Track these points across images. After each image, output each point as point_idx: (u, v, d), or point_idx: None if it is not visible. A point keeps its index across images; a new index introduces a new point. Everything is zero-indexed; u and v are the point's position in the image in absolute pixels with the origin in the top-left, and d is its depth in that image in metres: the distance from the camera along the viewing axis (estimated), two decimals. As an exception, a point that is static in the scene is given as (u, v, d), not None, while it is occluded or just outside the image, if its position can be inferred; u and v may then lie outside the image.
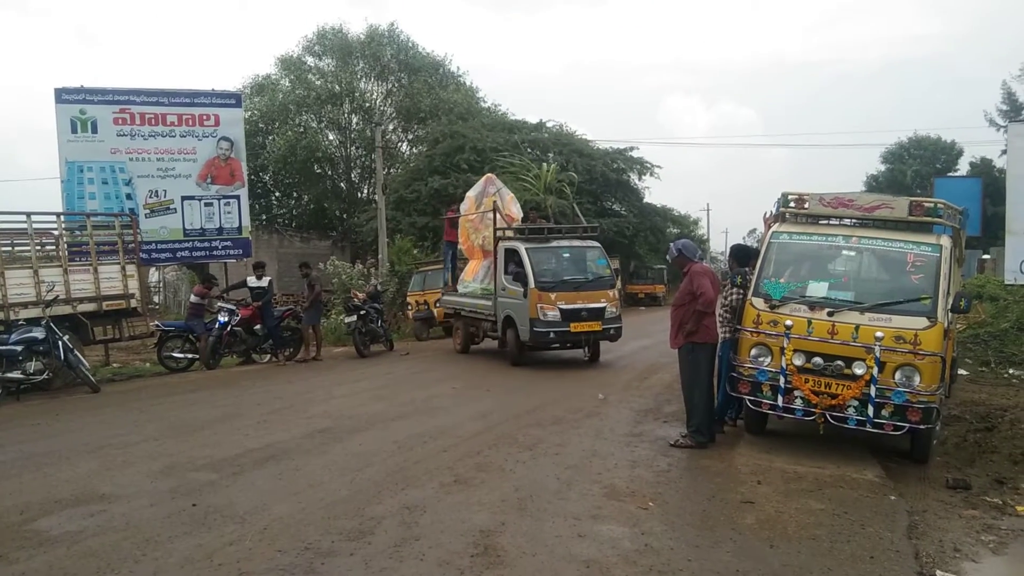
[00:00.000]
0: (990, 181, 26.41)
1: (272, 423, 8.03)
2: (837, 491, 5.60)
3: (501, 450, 6.66)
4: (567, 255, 12.41)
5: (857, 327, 6.21)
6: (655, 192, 67.13)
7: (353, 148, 36.30)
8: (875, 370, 6.04)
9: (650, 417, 8.21)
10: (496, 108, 37.54)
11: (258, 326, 13.52)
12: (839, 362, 6.25)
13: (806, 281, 6.83)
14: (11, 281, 11.03)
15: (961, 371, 10.64)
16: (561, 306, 11.52)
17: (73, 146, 16.36)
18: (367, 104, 35.44)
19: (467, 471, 5.98)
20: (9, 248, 12.54)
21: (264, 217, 35.38)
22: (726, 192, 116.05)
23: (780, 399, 6.47)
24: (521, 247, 11.98)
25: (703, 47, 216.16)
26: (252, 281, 13.55)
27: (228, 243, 17.85)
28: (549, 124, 32.67)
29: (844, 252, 6.93)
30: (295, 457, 6.49)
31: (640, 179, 33.60)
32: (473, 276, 14.04)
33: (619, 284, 17.51)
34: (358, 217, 32.42)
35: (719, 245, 59.51)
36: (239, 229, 17.96)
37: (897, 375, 6.06)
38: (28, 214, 11.75)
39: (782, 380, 6.42)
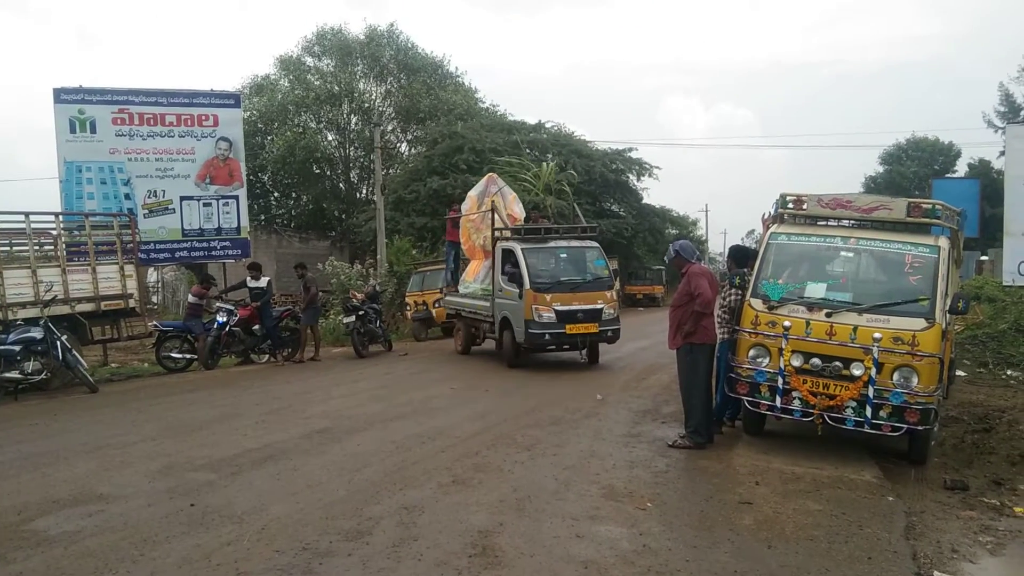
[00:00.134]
0: (988, 183, 26.44)
1: (270, 423, 8.03)
2: (835, 492, 5.61)
3: (499, 451, 6.66)
4: (564, 255, 12.30)
5: (855, 328, 6.22)
6: (654, 193, 67.12)
7: (352, 148, 36.33)
8: (873, 371, 6.05)
9: (648, 418, 8.21)
10: (495, 109, 37.60)
11: (256, 326, 13.51)
12: (837, 363, 6.26)
13: (804, 282, 6.83)
14: (9, 281, 11.03)
15: (959, 372, 10.66)
16: (557, 307, 11.40)
17: (72, 146, 16.35)
18: (366, 104, 35.46)
19: (465, 472, 5.98)
20: (7, 248, 12.55)
21: (263, 217, 35.39)
22: (725, 193, 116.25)
23: (778, 400, 6.47)
24: (517, 247, 11.89)
25: (702, 48, 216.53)
26: (251, 281, 13.55)
27: (227, 243, 17.84)
28: (548, 125, 32.75)
29: (842, 253, 6.94)
30: (293, 457, 6.49)
31: (639, 180, 33.69)
32: (474, 277, 13.96)
33: (617, 285, 17.52)
34: (357, 217, 32.43)
35: (717, 246, 59.66)
36: (238, 229, 17.94)
37: (895, 376, 6.07)
38: (26, 214, 11.74)
39: (780, 381, 6.43)
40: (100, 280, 12.21)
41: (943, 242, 6.67)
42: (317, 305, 14.47)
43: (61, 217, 13.48)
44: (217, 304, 13.45)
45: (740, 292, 7.12)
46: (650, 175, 33.40)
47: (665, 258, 7.68)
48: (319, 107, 34.93)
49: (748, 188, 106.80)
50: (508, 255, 12.11)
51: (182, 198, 17.32)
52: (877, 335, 6.06)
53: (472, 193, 14.49)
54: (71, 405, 9.63)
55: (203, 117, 17.46)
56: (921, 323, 6.12)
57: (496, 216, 12.73)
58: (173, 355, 12.99)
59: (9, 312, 10.83)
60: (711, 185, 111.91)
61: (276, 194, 38.58)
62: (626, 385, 10.48)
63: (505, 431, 7.47)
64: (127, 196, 16.79)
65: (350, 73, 34.75)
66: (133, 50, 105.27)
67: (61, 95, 16.34)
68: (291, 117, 34.89)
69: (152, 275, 28.47)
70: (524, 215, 14.47)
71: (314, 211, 37.42)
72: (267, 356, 13.87)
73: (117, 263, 12.63)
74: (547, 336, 11.55)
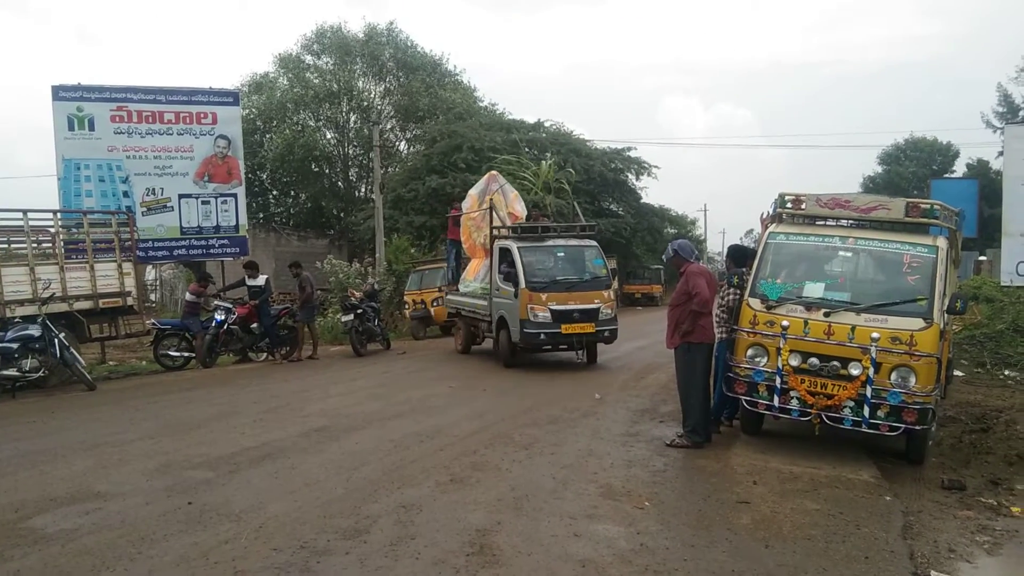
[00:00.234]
0: (986, 183, 26.47)
1: (268, 421, 8.02)
2: (832, 491, 5.61)
3: (497, 449, 6.66)
4: (561, 254, 12.15)
5: (853, 328, 6.22)
6: (653, 192, 66.99)
7: (351, 147, 36.29)
8: (871, 371, 6.06)
9: (646, 417, 8.21)
10: (493, 107, 37.58)
11: (255, 325, 13.51)
12: (835, 363, 6.26)
13: (803, 282, 6.84)
14: (7, 278, 11.02)
15: (957, 372, 10.67)
16: (552, 307, 11.29)
17: (70, 143, 16.34)
18: (365, 103, 35.40)
19: (463, 470, 5.98)
20: (6, 245, 12.54)
21: (261, 215, 35.33)
22: (724, 192, 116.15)
23: (776, 399, 6.48)
24: (513, 246, 11.79)
25: (702, 48, 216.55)
26: (250, 280, 13.54)
27: (225, 241, 17.84)
28: (547, 124, 32.71)
29: (841, 253, 6.94)
30: (291, 456, 6.49)
31: (638, 179, 33.64)
32: (474, 275, 13.88)
33: (616, 284, 17.49)
34: (355, 216, 32.38)
35: (716, 245, 59.59)
36: (236, 227, 17.95)
37: (893, 376, 6.07)
38: (24, 211, 11.72)
39: (778, 380, 6.43)
40: (98, 278, 12.20)
41: (941, 242, 6.67)
42: (314, 303, 14.46)
43: (59, 215, 13.44)
44: (215, 302, 13.44)
45: (738, 291, 7.12)
46: (649, 174, 33.39)
47: (663, 257, 7.68)
48: (318, 105, 34.88)
49: (747, 188, 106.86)
50: (505, 254, 12.03)
51: (180, 196, 17.33)
52: (875, 335, 6.06)
53: (473, 191, 14.37)
54: (69, 403, 9.63)
55: (202, 115, 17.46)
56: (919, 323, 6.13)
57: (494, 214, 12.67)
58: (171, 353, 12.98)
59: (7, 310, 10.82)
60: (710, 185, 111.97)
61: (275, 192, 38.52)
62: (624, 384, 10.49)
63: (503, 430, 7.47)
64: (125, 194, 16.80)
65: (349, 71, 34.71)
66: (133, 49, 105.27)
67: (59, 92, 16.33)
68: (290, 115, 34.83)
69: (150, 273, 28.43)
70: (526, 213, 14.40)
71: (313, 209, 37.37)
72: (265, 354, 13.87)
73: (115, 261, 12.62)
74: (542, 336, 11.43)
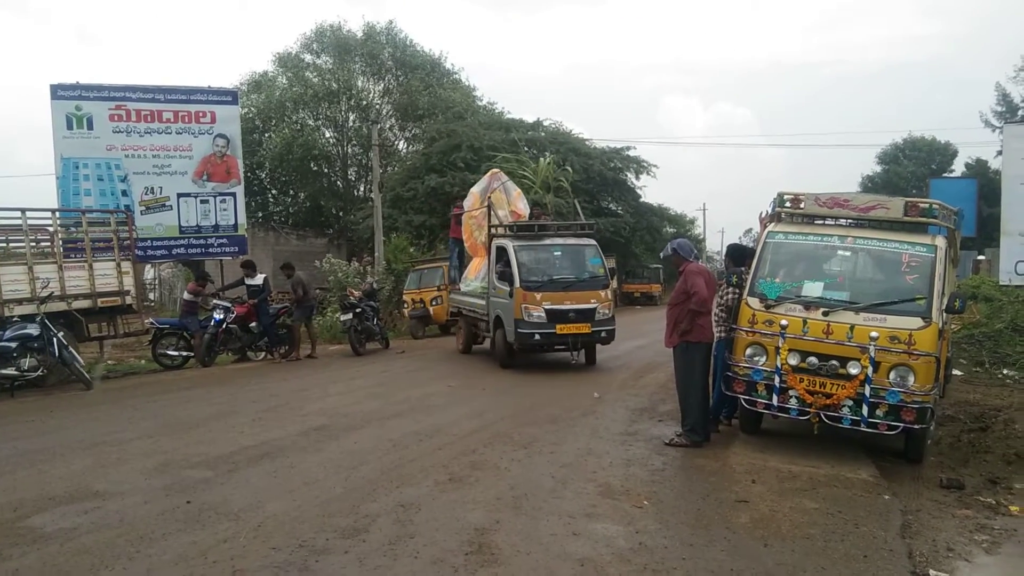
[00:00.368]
0: (985, 182, 26.44)
1: (267, 421, 8.02)
2: (831, 490, 5.62)
3: (496, 448, 6.66)
4: (558, 253, 11.96)
5: (852, 327, 6.23)
6: (652, 191, 67.27)
7: (350, 146, 36.24)
8: (870, 370, 6.06)
9: (645, 416, 8.22)
10: (493, 107, 37.55)
11: (253, 324, 13.50)
12: (834, 362, 6.27)
13: (801, 281, 6.84)
14: (6, 277, 11.00)
15: (956, 371, 10.68)
16: (547, 306, 11.07)
17: (69, 142, 16.30)
18: (364, 102, 35.39)
19: (462, 469, 5.98)
20: (4, 244, 12.52)
21: (260, 214, 35.29)
22: (723, 192, 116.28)
23: (775, 398, 6.48)
24: (509, 244, 11.65)
25: (702, 48, 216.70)
26: (248, 279, 13.53)
27: (224, 240, 17.82)
28: (546, 123, 32.69)
29: (839, 252, 6.95)
30: (290, 455, 6.48)
31: (637, 178, 33.60)
32: (476, 274, 13.76)
33: (615, 284, 17.45)
34: (354, 215, 32.34)
35: (715, 244, 59.65)
36: (235, 226, 17.92)
37: (892, 375, 6.08)
38: (23, 210, 11.71)
39: (777, 379, 6.44)
40: (97, 277, 12.18)
41: (940, 241, 6.68)
42: (310, 303, 14.41)
43: (58, 213, 13.41)
44: (213, 301, 13.43)
45: (737, 291, 7.12)
46: (648, 173, 33.36)
47: (662, 256, 7.68)
48: (317, 104, 34.84)
49: (746, 187, 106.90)
50: (501, 252, 11.89)
51: (179, 195, 17.30)
52: (874, 334, 6.07)
53: (475, 189, 14.25)
54: (67, 402, 9.62)
55: (200, 114, 17.43)
56: (918, 322, 6.13)
57: (492, 213, 12.60)
58: (169, 352, 12.98)
59: (5, 308, 10.81)
60: (709, 184, 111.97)
61: (274, 191, 38.47)
62: (623, 383, 10.49)
63: (502, 429, 7.47)
64: (124, 193, 16.77)
65: (348, 70, 34.67)
66: (132, 49, 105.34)
67: (58, 91, 16.29)
68: (289, 114, 34.78)
69: (149, 272, 28.41)
70: (528, 212, 14.33)
71: (312, 208, 37.33)
72: (264, 353, 13.87)
73: (114, 260, 12.61)
74: (536, 336, 11.20)
